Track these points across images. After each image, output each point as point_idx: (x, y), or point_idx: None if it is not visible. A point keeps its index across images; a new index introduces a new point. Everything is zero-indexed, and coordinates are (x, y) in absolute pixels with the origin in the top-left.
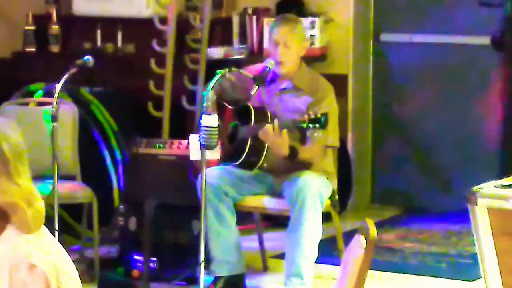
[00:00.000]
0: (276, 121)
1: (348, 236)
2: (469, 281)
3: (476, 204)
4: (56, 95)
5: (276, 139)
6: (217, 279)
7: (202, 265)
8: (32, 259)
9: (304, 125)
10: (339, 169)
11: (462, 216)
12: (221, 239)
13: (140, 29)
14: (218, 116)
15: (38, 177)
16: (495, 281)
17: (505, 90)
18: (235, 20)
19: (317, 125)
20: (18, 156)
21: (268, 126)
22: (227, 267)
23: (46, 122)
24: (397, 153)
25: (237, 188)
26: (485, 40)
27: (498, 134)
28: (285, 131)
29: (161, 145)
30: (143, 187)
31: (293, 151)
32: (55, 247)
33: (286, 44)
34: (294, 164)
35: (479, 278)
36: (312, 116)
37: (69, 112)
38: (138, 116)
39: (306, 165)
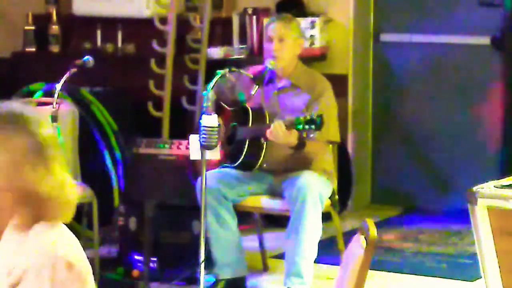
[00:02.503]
0: (286, 119)
1: (348, 236)
2: (469, 281)
3: (476, 204)
4: (56, 95)
5: (286, 139)
6: (217, 281)
7: (202, 265)
8: (70, 257)
9: (300, 127)
10: (339, 169)
11: (462, 216)
12: (223, 242)
13: (140, 29)
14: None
15: None
16: (495, 281)
17: (505, 90)
18: (235, 20)
19: (313, 127)
20: (56, 145)
21: (277, 126)
22: (230, 270)
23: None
24: (397, 153)
25: (237, 190)
26: (485, 40)
27: (498, 134)
28: (294, 130)
29: (162, 145)
30: (143, 187)
31: (301, 142)
32: (76, 242)
33: (280, 39)
34: (294, 162)
35: (479, 278)
36: (308, 117)
37: (69, 112)
38: (138, 116)
39: (306, 163)
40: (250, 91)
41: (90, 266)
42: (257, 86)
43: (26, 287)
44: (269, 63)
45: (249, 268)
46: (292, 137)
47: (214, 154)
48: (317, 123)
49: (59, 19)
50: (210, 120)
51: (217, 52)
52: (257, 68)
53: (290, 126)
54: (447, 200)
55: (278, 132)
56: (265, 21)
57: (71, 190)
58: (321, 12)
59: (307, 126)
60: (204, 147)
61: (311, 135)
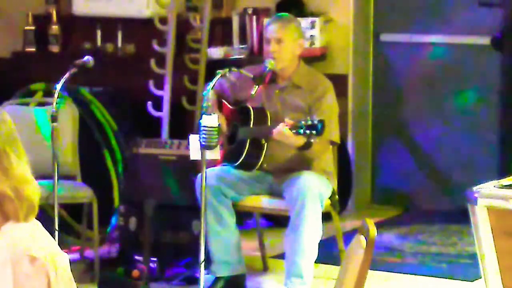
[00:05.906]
0: (288, 123)
1: (348, 236)
2: (469, 281)
3: (476, 204)
4: (56, 95)
5: (292, 140)
6: (217, 279)
7: (202, 265)
8: (33, 251)
9: (301, 131)
10: (339, 169)
11: (462, 216)
12: (221, 240)
13: (140, 29)
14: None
15: (38, 177)
16: (495, 281)
17: (504, 90)
18: (235, 20)
19: (314, 132)
20: (9, 142)
21: (283, 127)
22: (227, 268)
23: (43, 123)
24: (397, 153)
25: (236, 189)
26: (485, 40)
27: (498, 134)
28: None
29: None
30: (143, 187)
31: (308, 142)
32: (50, 239)
33: (278, 40)
34: (294, 162)
35: (479, 278)
36: (310, 123)
37: (69, 112)
38: (138, 116)
39: (306, 164)
40: (250, 91)
41: (64, 261)
42: (257, 86)
43: None
44: (268, 64)
45: (249, 268)
46: (299, 138)
47: (214, 154)
48: (318, 128)
49: (59, 19)
50: (210, 120)
51: (217, 52)
52: (258, 68)
53: (291, 129)
54: (447, 200)
55: (285, 133)
56: (265, 21)
57: (32, 187)
58: (321, 12)
59: (308, 131)
60: (204, 147)
61: (312, 140)
